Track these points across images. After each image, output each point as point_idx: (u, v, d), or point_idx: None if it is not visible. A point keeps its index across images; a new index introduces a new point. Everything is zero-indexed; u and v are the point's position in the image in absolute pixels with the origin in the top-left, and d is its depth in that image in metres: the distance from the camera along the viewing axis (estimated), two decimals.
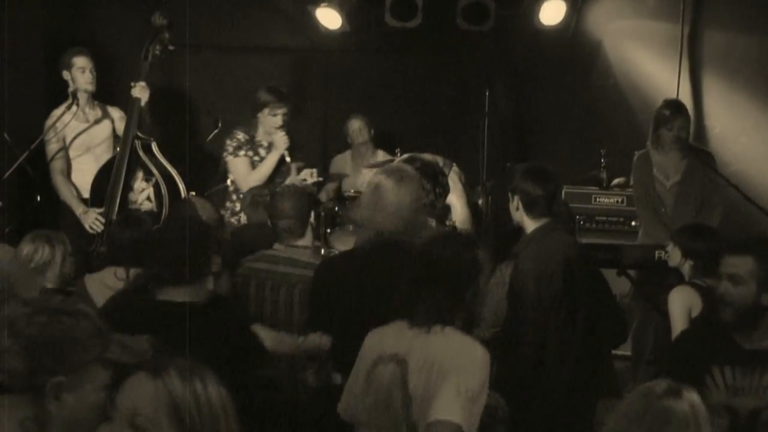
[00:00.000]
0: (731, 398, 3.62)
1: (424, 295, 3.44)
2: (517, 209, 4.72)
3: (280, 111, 6.59)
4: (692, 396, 2.88)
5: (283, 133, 6.57)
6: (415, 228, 4.24)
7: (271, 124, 6.60)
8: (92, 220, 6.40)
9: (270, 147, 6.63)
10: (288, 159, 6.61)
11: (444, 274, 3.46)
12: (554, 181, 4.80)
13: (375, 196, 4.23)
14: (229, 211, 6.72)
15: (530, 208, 4.67)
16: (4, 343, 2.55)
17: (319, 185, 7.28)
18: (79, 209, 6.55)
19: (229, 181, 6.85)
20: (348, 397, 3.60)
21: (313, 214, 5.18)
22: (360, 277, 4.13)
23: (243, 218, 6.53)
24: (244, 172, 6.62)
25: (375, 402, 3.40)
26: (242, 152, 6.65)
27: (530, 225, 4.69)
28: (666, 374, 3.14)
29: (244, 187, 6.52)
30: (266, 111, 6.60)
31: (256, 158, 6.66)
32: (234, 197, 6.74)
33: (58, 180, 6.69)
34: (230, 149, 6.67)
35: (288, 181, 6.46)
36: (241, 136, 6.68)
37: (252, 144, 6.67)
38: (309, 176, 6.72)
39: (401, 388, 3.34)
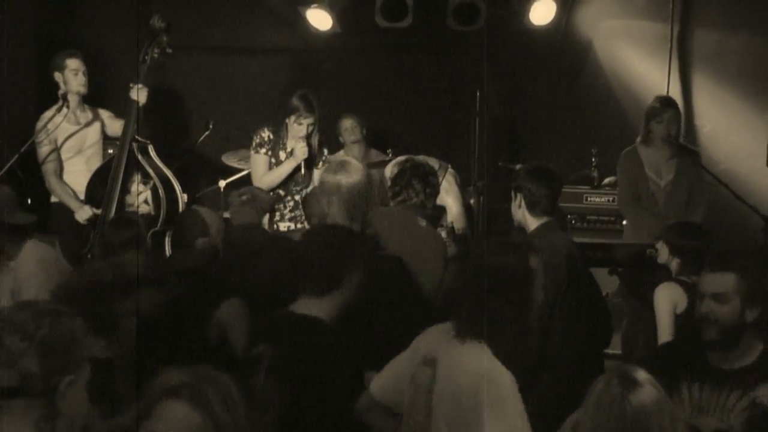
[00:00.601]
0: (695, 416, 3.59)
1: (468, 304, 3.40)
2: (520, 207, 4.74)
3: (305, 121, 6.43)
4: (645, 381, 2.94)
5: (303, 144, 6.41)
6: (360, 217, 4.35)
7: (295, 133, 6.46)
8: (88, 214, 6.37)
9: (291, 153, 6.50)
10: (302, 170, 6.45)
11: (494, 285, 3.37)
12: (558, 181, 4.84)
13: (321, 191, 4.28)
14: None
15: (533, 207, 4.69)
16: (18, 346, 2.56)
17: None
18: (75, 205, 6.53)
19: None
20: (389, 381, 3.59)
21: None
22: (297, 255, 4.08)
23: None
24: (260, 172, 6.53)
25: (410, 400, 3.41)
26: (263, 150, 6.54)
27: (532, 223, 4.70)
28: None
29: (256, 185, 6.44)
30: (293, 118, 6.44)
31: (274, 160, 6.54)
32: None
33: (52, 181, 6.69)
34: (253, 144, 6.60)
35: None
36: (266, 134, 6.58)
37: (276, 145, 6.56)
38: None
39: (427, 393, 3.34)
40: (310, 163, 6.54)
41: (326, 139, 8.00)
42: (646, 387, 2.94)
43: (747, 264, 3.65)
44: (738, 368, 3.63)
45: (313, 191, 5.45)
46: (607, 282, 6.10)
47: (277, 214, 6.45)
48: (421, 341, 3.54)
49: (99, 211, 6.34)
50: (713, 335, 3.62)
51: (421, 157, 5.75)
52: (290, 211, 6.53)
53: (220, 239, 4.50)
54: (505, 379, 3.26)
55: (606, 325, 4.90)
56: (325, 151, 6.73)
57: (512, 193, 4.80)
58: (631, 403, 2.90)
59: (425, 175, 5.31)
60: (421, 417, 3.34)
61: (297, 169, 6.45)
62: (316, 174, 6.45)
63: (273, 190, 6.48)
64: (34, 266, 4.99)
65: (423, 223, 5.11)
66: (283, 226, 6.44)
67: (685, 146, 6.54)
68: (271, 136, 6.56)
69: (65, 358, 2.60)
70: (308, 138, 6.47)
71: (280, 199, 6.49)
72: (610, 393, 2.94)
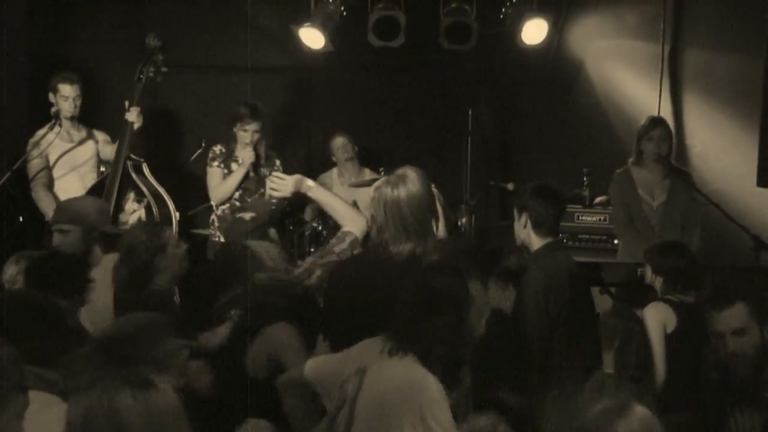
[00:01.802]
0: None
1: (398, 318, 3.42)
2: (525, 227, 4.70)
3: (250, 127, 6.75)
4: (642, 411, 2.90)
5: (250, 149, 6.74)
6: (423, 235, 4.12)
7: (242, 140, 6.79)
8: None
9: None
10: (251, 174, 6.79)
11: (430, 304, 3.39)
12: (563, 200, 4.85)
13: (377, 205, 4.15)
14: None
15: (539, 227, 4.66)
16: None
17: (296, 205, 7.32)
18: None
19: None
20: (326, 370, 3.61)
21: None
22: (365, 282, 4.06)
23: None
24: (214, 184, 6.86)
25: (335, 406, 3.42)
26: (215, 163, 6.85)
27: (537, 243, 4.68)
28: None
29: (212, 198, 6.84)
30: (238, 125, 6.77)
31: (227, 171, 6.84)
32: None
33: (40, 192, 6.72)
34: (207, 160, 6.92)
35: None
36: (218, 148, 6.90)
37: (228, 157, 6.84)
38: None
39: (351, 403, 3.35)
40: (258, 169, 6.83)
41: (320, 156, 8.07)
42: (641, 416, 2.91)
43: (747, 288, 3.66)
44: None
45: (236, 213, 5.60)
46: (600, 301, 6.10)
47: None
48: (354, 351, 3.55)
49: None
50: (746, 370, 3.62)
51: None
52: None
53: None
54: (434, 386, 3.27)
55: (596, 350, 4.90)
56: (277, 162, 6.98)
57: (516, 213, 4.78)
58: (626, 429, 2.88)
59: None
60: (342, 426, 3.34)
61: (248, 176, 6.79)
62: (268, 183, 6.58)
63: (228, 200, 6.81)
64: (107, 276, 4.97)
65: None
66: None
67: (677, 167, 6.56)
68: (223, 150, 6.88)
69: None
70: (255, 145, 6.79)
71: (238, 211, 6.74)
72: (605, 417, 2.92)
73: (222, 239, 6.74)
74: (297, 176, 4.68)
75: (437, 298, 3.39)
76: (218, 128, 7.44)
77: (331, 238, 6.21)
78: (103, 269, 5.02)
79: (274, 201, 6.52)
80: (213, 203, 6.89)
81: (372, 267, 4.11)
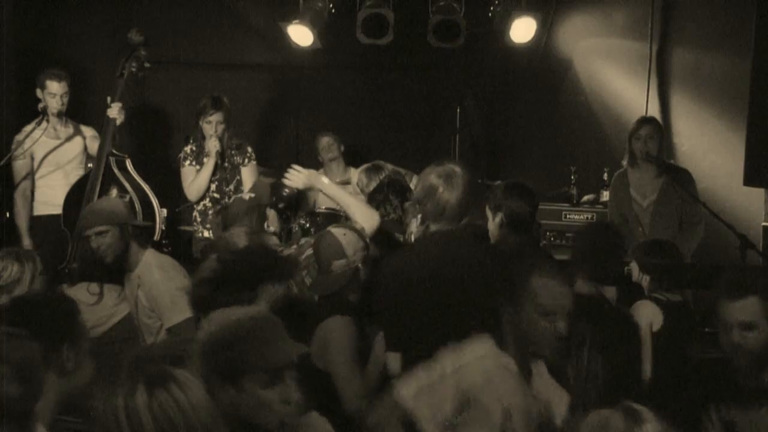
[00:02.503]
0: None
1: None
2: (501, 227, 4.71)
3: (213, 119, 6.70)
4: (649, 417, 2.89)
5: (214, 140, 6.69)
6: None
7: (206, 131, 6.74)
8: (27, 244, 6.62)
9: None
10: (226, 164, 6.76)
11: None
12: (535, 198, 4.85)
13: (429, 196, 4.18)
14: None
15: (516, 225, 4.68)
16: None
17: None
18: (24, 241, 6.74)
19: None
20: (421, 392, 3.32)
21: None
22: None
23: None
24: (187, 182, 6.82)
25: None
26: (187, 162, 6.83)
27: (513, 241, 4.67)
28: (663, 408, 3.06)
29: (188, 195, 6.83)
30: (202, 117, 6.73)
31: (199, 167, 6.79)
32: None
33: (19, 203, 6.76)
34: (180, 160, 6.89)
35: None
36: (188, 148, 6.86)
37: (199, 154, 6.80)
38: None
39: None
40: (225, 158, 6.78)
41: (308, 154, 8.05)
42: (651, 422, 2.90)
43: (764, 283, 3.51)
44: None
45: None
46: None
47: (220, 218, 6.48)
48: (448, 367, 3.31)
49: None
50: (745, 363, 3.51)
51: (388, 165, 5.79)
52: None
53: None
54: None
55: None
56: (249, 149, 6.90)
57: (489, 212, 4.78)
58: None
59: (403, 191, 5.32)
60: None
61: (218, 168, 6.75)
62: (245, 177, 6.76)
63: (206, 194, 6.78)
64: (158, 273, 5.10)
65: (400, 238, 5.11)
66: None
67: (673, 166, 6.58)
68: (194, 148, 6.84)
69: (34, 380, 2.57)
70: (221, 134, 6.73)
71: (217, 203, 6.73)
72: (614, 428, 2.90)
73: (205, 234, 6.72)
74: (312, 171, 4.84)
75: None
76: None
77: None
78: (143, 269, 5.10)
79: (269, 181, 6.46)
80: (191, 200, 6.86)
81: (437, 257, 4.12)
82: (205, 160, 6.74)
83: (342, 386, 4.08)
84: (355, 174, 7.78)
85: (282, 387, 2.62)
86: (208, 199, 6.80)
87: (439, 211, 4.13)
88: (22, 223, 6.82)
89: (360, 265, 4.38)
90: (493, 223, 4.75)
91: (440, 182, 4.14)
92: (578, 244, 4.98)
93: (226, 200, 6.58)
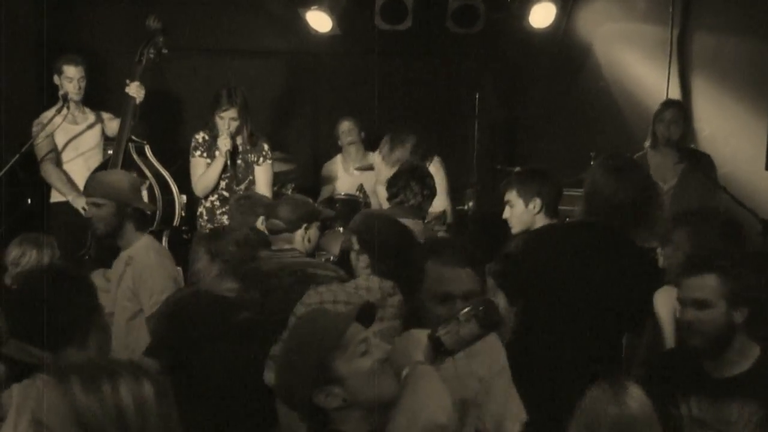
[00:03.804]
0: (694, 431, 3.40)
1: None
2: (537, 212, 4.78)
3: (226, 114, 6.38)
4: (637, 391, 2.90)
5: (225, 136, 6.37)
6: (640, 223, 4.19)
7: (221, 127, 6.42)
8: (82, 203, 6.18)
9: None
10: (229, 163, 6.43)
11: None
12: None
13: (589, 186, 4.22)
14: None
15: (552, 210, 4.79)
16: None
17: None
18: (70, 193, 6.60)
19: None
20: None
21: None
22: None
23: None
24: (196, 175, 6.53)
25: None
26: (198, 153, 6.54)
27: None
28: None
29: (195, 191, 6.51)
30: (216, 112, 6.42)
31: (209, 161, 6.51)
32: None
33: (49, 168, 6.71)
34: (190, 149, 6.58)
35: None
36: (200, 137, 6.55)
37: (211, 146, 6.50)
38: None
39: None
40: (237, 157, 6.50)
41: (326, 141, 8.04)
42: (637, 397, 2.92)
43: (727, 263, 3.44)
44: (735, 375, 3.43)
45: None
46: None
47: (225, 218, 6.34)
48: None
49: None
50: (698, 343, 3.43)
51: (410, 136, 5.80)
52: None
53: None
54: None
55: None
56: (265, 146, 6.62)
57: (520, 199, 4.81)
58: (620, 411, 2.88)
59: (423, 177, 5.31)
60: None
61: (233, 165, 6.46)
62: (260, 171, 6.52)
63: (215, 191, 6.48)
64: (155, 257, 4.99)
65: (419, 226, 5.10)
66: None
67: (695, 150, 6.55)
68: (206, 137, 6.53)
69: None
70: (234, 131, 6.43)
71: (225, 202, 6.43)
72: (600, 401, 2.92)
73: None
74: None
75: None
76: None
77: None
78: (138, 250, 5.00)
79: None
80: (198, 194, 6.57)
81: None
82: (216, 154, 6.47)
83: None
84: (373, 158, 7.77)
85: None
86: (216, 197, 6.54)
87: None
88: (60, 184, 6.71)
89: None
90: (526, 210, 4.79)
91: None
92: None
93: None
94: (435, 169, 6.23)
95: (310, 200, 5.48)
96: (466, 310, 2.49)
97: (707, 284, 3.40)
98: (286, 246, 4.87)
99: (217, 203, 6.53)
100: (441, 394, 2.36)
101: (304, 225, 4.89)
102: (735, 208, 5.88)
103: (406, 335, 2.52)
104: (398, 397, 2.36)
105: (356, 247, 4.11)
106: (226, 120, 6.39)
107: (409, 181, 5.25)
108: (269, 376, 3.85)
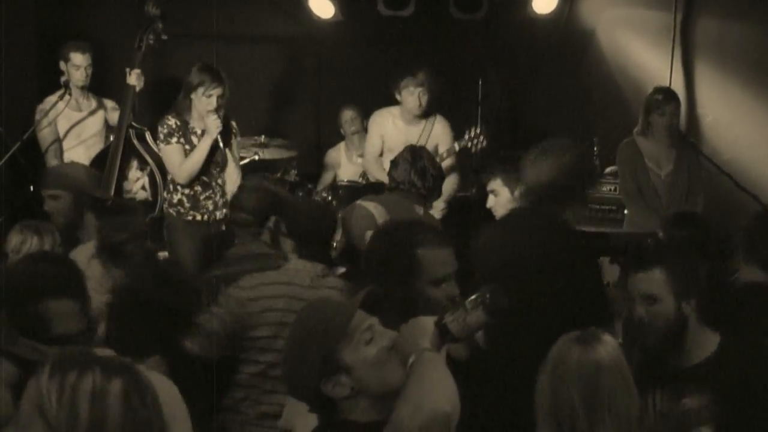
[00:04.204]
0: (657, 426, 3.24)
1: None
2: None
3: (215, 92, 6.03)
4: (608, 339, 2.92)
5: (215, 117, 6.04)
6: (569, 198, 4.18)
7: (204, 107, 6.05)
8: None
9: (203, 134, 6.12)
10: (221, 145, 6.13)
11: None
12: None
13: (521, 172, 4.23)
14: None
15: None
16: None
17: (294, 184, 7.25)
18: None
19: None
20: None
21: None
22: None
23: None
24: (177, 162, 6.11)
25: None
26: (174, 139, 6.10)
27: None
28: None
29: (178, 178, 6.11)
30: (200, 91, 6.03)
31: (188, 147, 6.13)
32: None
33: (52, 162, 6.75)
34: (161, 136, 6.13)
35: None
36: (172, 121, 6.12)
37: (185, 130, 6.14)
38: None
39: None
40: (228, 139, 6.25)
41: (328, 127, 8.01)
42: (605, 345, 2.91)
43: (672, 255, 3.47)
44: (695, 364, 3.41)
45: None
46: (610, 272, 6.07)
47: (210, 203, 6.17)
48: None
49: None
50: (652, 340, 3.42)
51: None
52: (221, 196, 6.21)
53: None
54: None
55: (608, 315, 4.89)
56: (233, 124, 6.36)
57: (508, 187, 4.80)
58: (586, 355, 2.88)
59: (427, 161, 5.31)
60: None
61: (215, 147, 6.13)
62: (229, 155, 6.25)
63: (197, 177, 6.14)
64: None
65: (420, 210, 5.10)
66: (219, 215, 6.16)
67: (684, 136, 6.53)
68: (178, 123, 6.14)
69: None
70: (218, 111, 6.09)
71: (207, 187, 6.18)
72: (567, 345, 2.93)
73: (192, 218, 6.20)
74: None
75: None
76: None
77: None
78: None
79: None
80: (181, 182, 6.13)
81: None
82: (194, 139, 6.13)
83: None
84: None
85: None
86: (197, 183, 6.17)
87: None
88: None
89: None
90: (512, 197, 4.82)
91: None
92: (750, 230, 4.84)
93: (215, 183, 6.18)
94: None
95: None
96: (473, 297, 2.51)
97: (654, 278, 3.38)
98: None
99: (199, 188, 6.18)
100: (447, 382, 2.36)
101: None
102: (737, 193, 5.88)
103: (413, 322, 2.53)
104: (404, 384, 2.37)
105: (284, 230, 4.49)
106: (215, 98, 6.05)
107: (410, 172, 5.23)
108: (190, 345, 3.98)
